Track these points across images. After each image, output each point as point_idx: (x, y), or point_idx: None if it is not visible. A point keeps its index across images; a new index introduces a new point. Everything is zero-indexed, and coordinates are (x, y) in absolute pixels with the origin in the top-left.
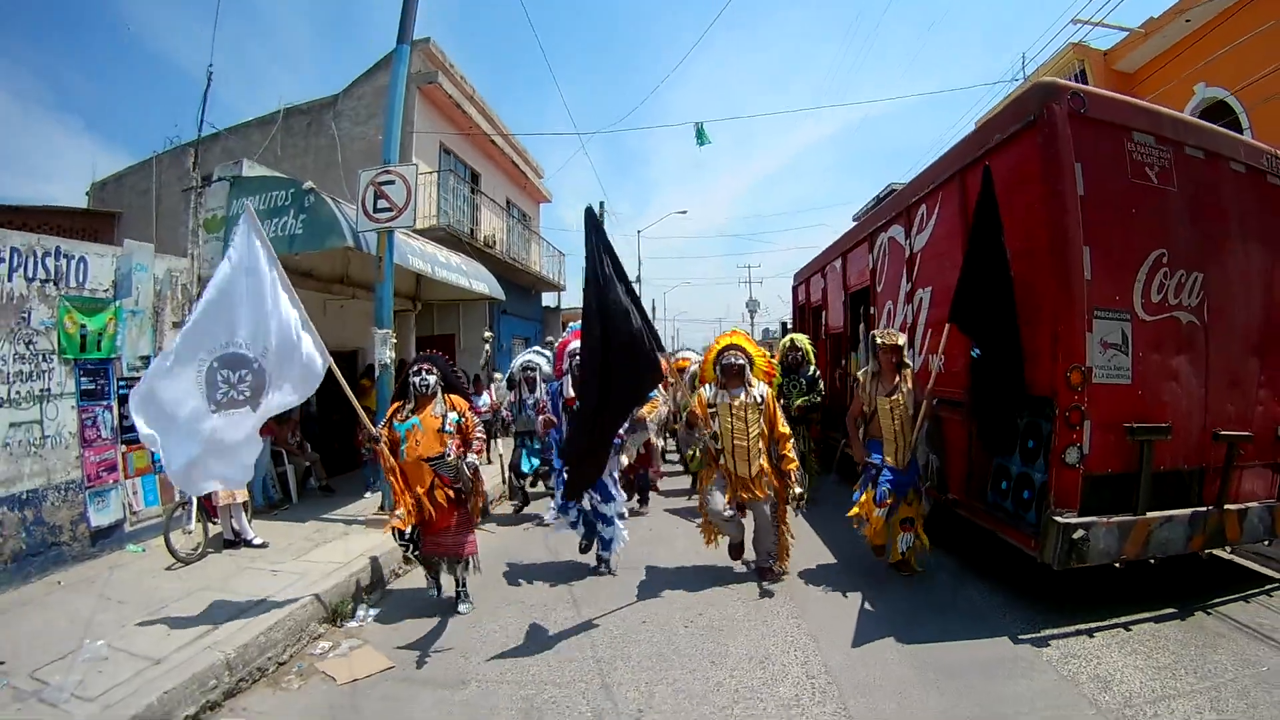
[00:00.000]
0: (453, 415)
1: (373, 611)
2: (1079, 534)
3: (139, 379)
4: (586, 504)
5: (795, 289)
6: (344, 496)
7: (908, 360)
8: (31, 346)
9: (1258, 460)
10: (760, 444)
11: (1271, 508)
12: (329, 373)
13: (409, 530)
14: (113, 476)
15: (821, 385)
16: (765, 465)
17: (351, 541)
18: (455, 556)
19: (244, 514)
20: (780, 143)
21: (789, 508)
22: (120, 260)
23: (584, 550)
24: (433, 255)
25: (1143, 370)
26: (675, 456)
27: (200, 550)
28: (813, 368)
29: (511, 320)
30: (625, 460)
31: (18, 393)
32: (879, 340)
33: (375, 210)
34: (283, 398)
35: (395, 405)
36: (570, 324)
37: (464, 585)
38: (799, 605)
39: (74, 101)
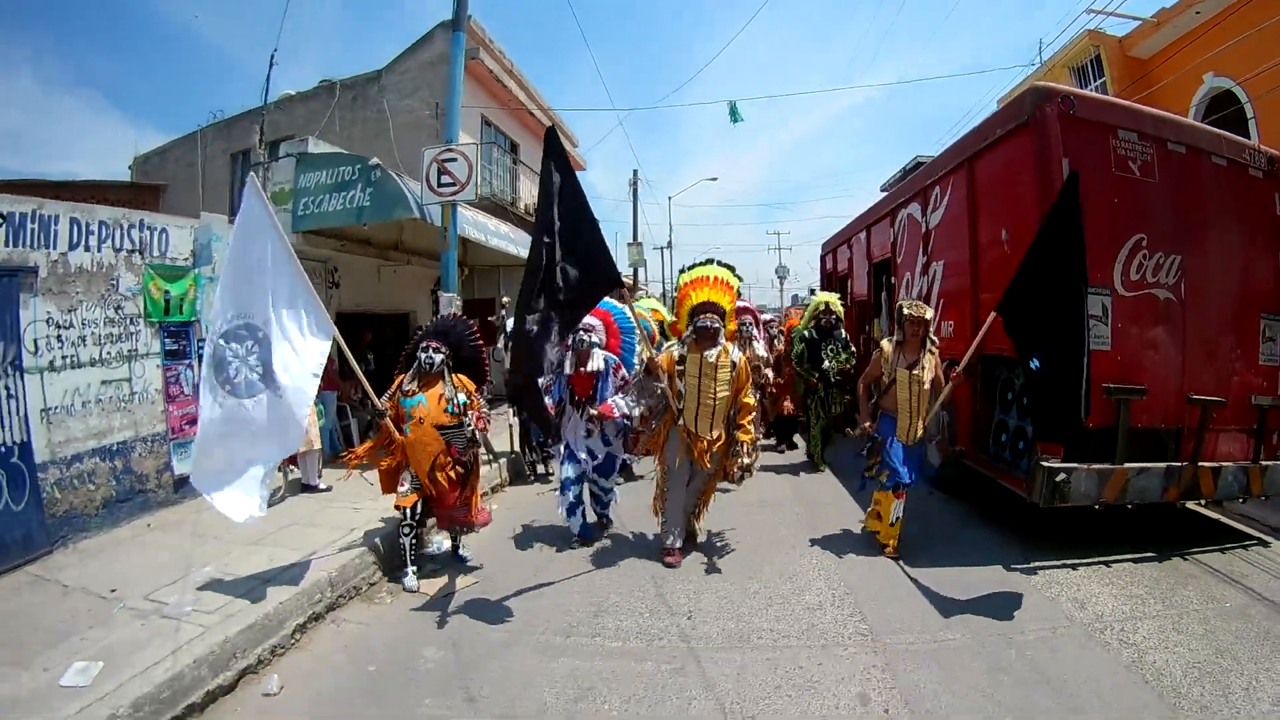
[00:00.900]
0: (460, 397)
1: (446, 544)
2: (1061, 477)
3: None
4: (584, 489)
5: (823, 258)
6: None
7: (934, 336)
8: (120, 311)
9: (1234, 425)
10: (725, 408)
11: (1247, 468)
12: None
13: (414, 508)
14: (194, 429)
15: (852, 348)
16: (722, 434)
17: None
18: (466, 526)
19: (316, 462)
20: (811, 110)
21: (731, 480)
22: (198, 231)
23: (581, 539)
24: (483, 224)
25: (1121, 339)
26: None
27: (281, 494)
28: (843, 331)
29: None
30: (638, 413)
31: (108, 353)
32: (906, 311)
33: (439, 185)
34: (298, 368)
35: (400, 378)
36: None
37: (463, 547)
38: (821, 537)
39: (95, 78)
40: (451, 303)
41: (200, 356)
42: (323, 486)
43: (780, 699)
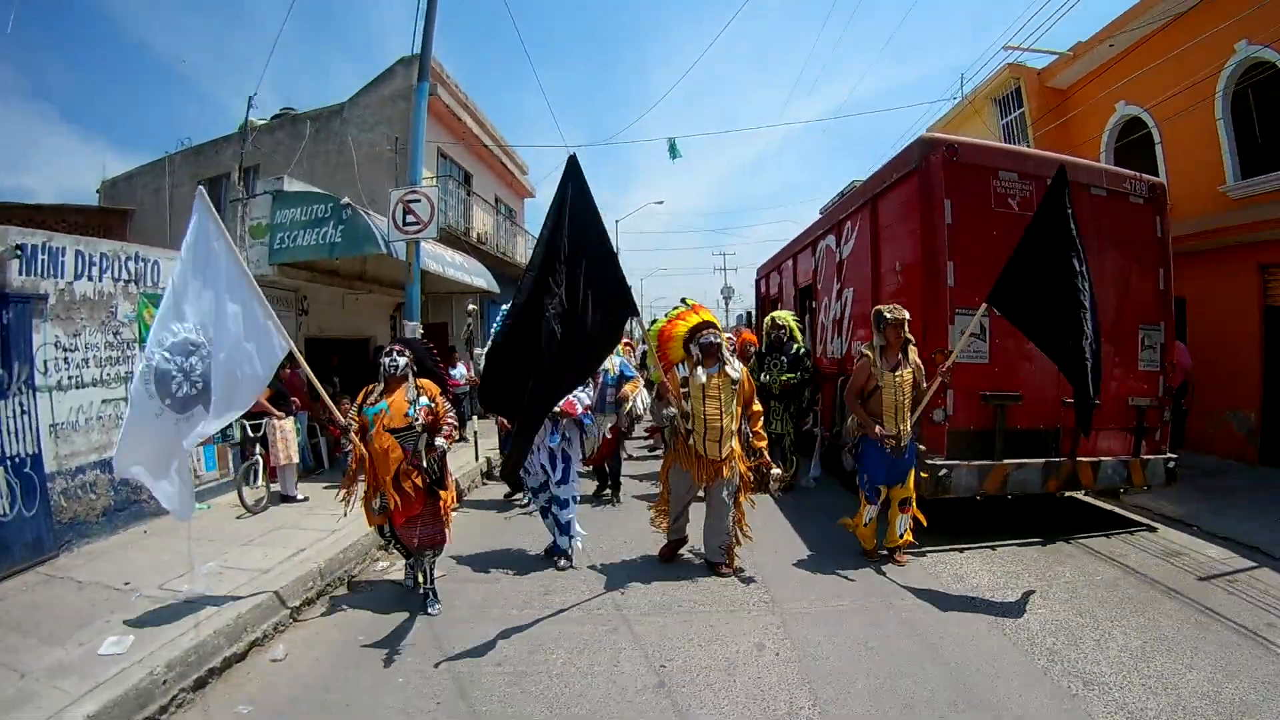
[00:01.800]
0: (423, 400)
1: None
2: (943, 473)
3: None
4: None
5: (758, 282)
6: None
7: (911, 335)
8: (118, 336)
9: (1114, 424)
10: (732, 425)
11: (1127, 462)
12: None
13: (384, 526)
14: None
15: (809, 363)
16: (736, 447)
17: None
18: (426, 546)
19: (293, 475)
20: (760, 129)
21: (769, 491)
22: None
23: (550, 554)
24: (440, 255)
25: (999, 353)
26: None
27: (264, 504)
28: (797, 345)
29: (499, 309)
30: (592, 441)
31: (108, 374)
32: (887, 316)
33: (405, 224)
34: (238, 389)
35: (366, 389)
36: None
37: (432, 582)
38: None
39: (50, 91)
40: (415, 331)
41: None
42: (300, 497)
43: (693, 649)
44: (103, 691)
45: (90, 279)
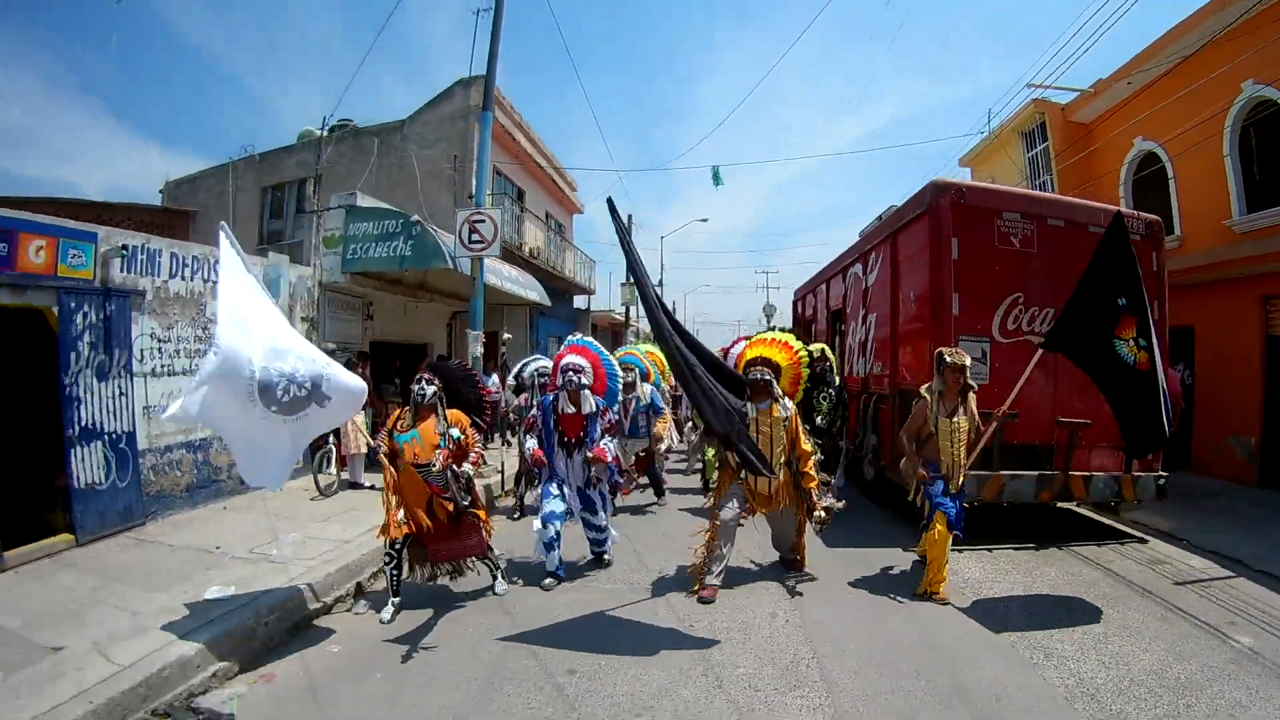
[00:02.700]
0: (454, 431)
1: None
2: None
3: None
4: (557, 522)
5: (795, 302)
6: None
7: (973, 383)
8: (206, 331)
9: (1106, 442)
10: (782, 459)
11: (1119, 478)
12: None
13: (401, 540)
14: None
15: (845, 396)
16: (785, 478)
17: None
18: (463, 558)
19: (361, 464)
20: (807, 145)
21: (810, 525)
22: (268, 268)
23: (549, 575)
24: (498, 269)
25: (998, 375)
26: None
27: (334, 488)
28: (839, 378)
29: (548, 321)
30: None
31: (195, 365)
32: (948, 360)
33: (470, 242)
34: (328, 415)
35: (397, 413)
36: (569, 339)
37: (496, 569)
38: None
39: (96, 85)
40: (477, 339)
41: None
42: (367, 485)
43: (718, 615)
44: (212, 627)
45: (183, 279)
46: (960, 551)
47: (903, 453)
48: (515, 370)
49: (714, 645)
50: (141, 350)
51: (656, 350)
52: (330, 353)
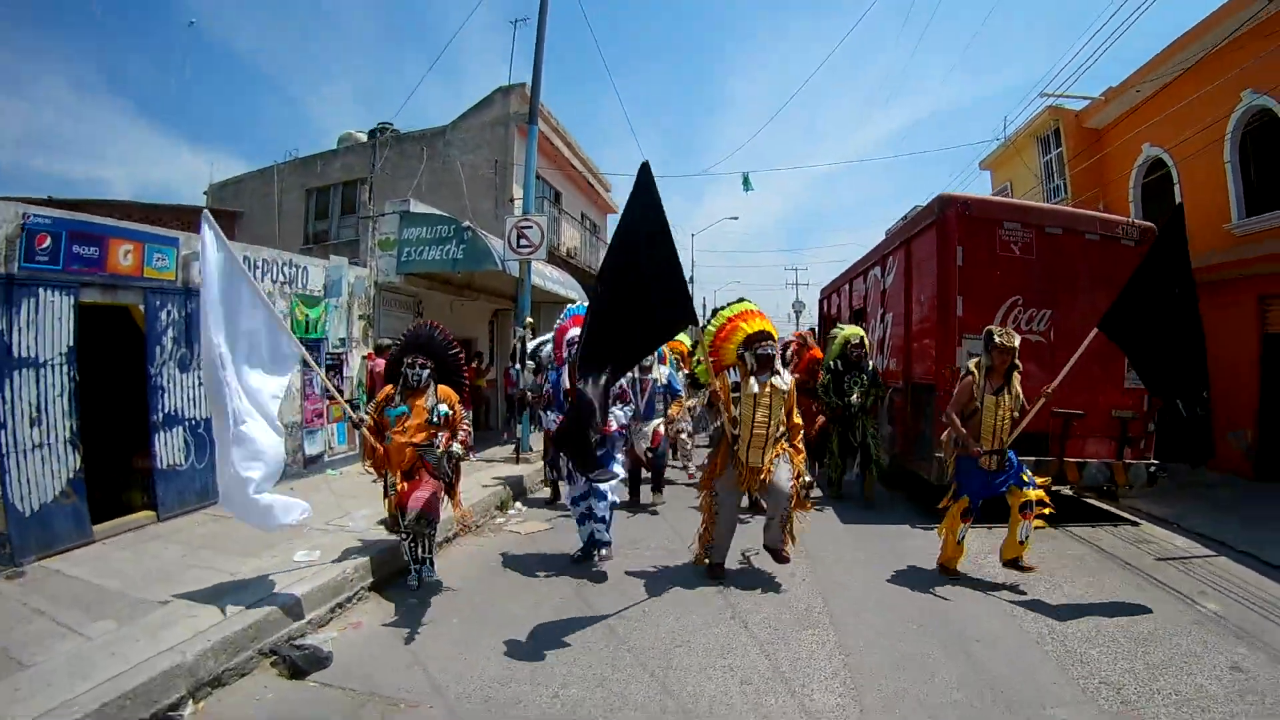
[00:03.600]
0: (442, 408)
1: (523, 506)
2: (948, 463)
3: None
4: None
5: (821, 300)
6: (480, 445)
7: (1019, 363)
8: None
9: (1100, 433)
10: (777, 432)
11: (1110, 464)
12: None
13: (396, 515)
14: (320, 421)
15: (880, 380)
16: (779, 449)
17: (496, 470)
18: (426, 511)
19: None
20: (844, 137)
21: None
22: (330, 270)
23: (575, 560)
24: (541, 270)
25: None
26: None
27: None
28: (872, 362)
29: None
30: (638, 446)
31: None
32: (997, 340)
33: (518, 246)
34: (259, 383)
35: (388, 390)
36: (569, 308)
37: (430, 553)
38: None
39: (126, 86)
40: (519, 334)
41: (328, 367)
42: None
43: (744, 576)
44: (304, 584)
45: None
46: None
47: (955, 433)
48: (532, 349)
49: (740, 596)
50: None
51: (683, 337)
52: (384, 348)
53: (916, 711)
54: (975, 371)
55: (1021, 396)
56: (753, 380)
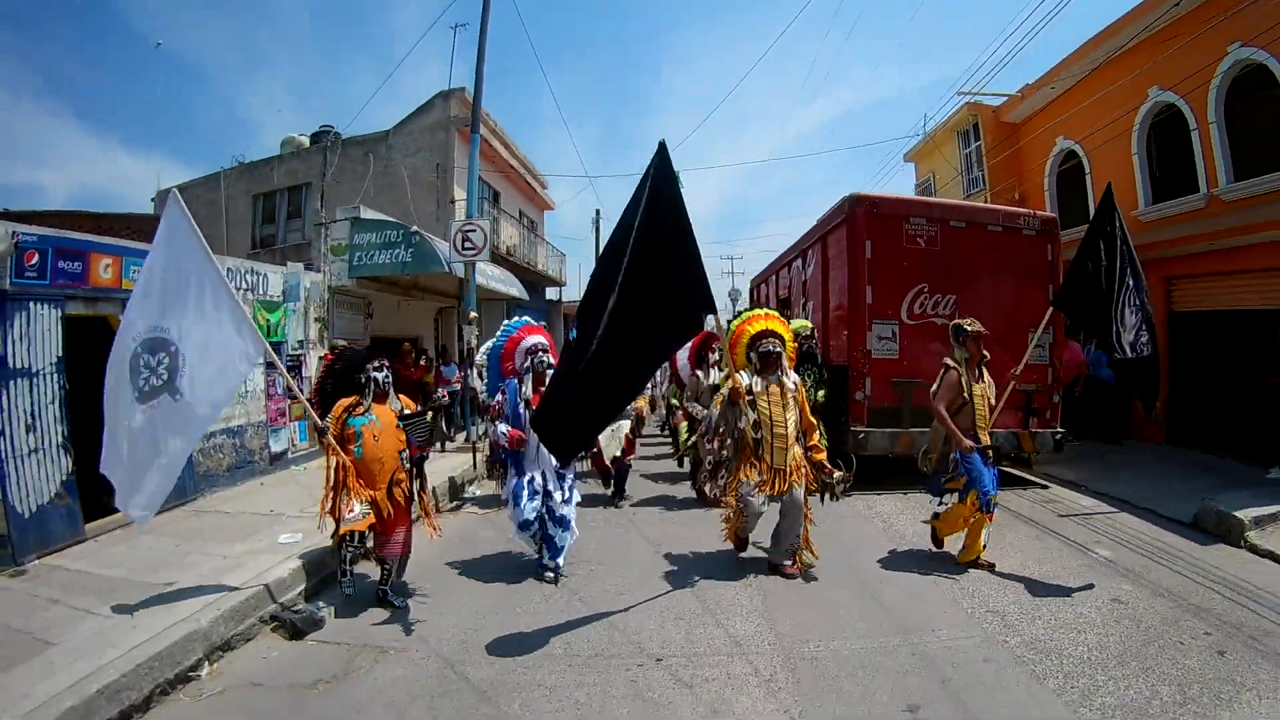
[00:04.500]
0: (405, 412)
1: (478, 493)
2: (862, 435)
3: (289, 360)
4: (538, 505)
5: (752, 290)
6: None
7: (986, 352)
8: (239, 333)
9: (1007, 405)
10: (796, 431)
11: (1017, 433)
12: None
13: (365, 534)
14: (283, 420)
15: (825, 373)
16: (799, 454)
17: (449, 460)
18: (404, 556)
19: None
20: (772, 127)
21: (827, 496)
22: (287, 276)
23: (539, 560)
24: (483, 269)
25: (907, 351)
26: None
27: None
28: (817, 355)
29: (523, 312)
30: (613, 450)
31: None
32: (967, 328)
33: (463, 248)
34: (208, 385)
35: (348, 401)
36: (518, 320)
37: (399, 577)
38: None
39: (64, 90)
40: (470, 332)
41: (288, 368)
42: None
43: (684, 540)
44: (294, 560)
45: None
46: (879, 494)
47: (948, 431)
48: (480, 353)
49: (675, 557)
50: None
51: None
52: (339, 349)
53: (823, 636)
54: (958, 366)
55: (992, 382)
56: (757, 379)
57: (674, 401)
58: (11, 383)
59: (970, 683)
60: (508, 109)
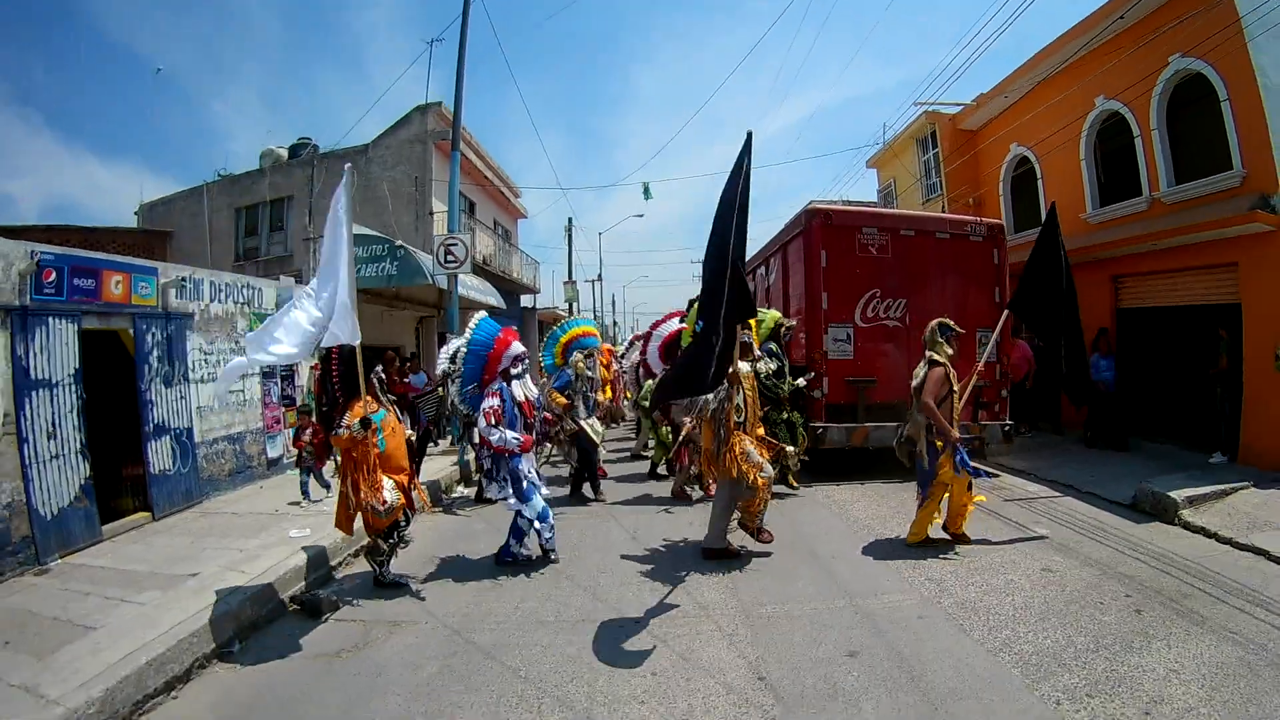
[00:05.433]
0: (394, 407)
1: (469, 491)
2: (820, 430)
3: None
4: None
5: None
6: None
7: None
8: (238, 345)
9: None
10: (758, 414)
11: (967, 425)
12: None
13: (401, 521)
14: (278, 426)
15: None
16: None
17: (433, 464)
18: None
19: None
20: (742, 130)
21: (793, 469)
22: (280, 290)
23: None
24: (463, 280)
25: (860, 351)
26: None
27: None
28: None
29: (502, 320)
30: (597, 430)
31: None
32: (954, 327)
33: (445, 261)
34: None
35: (352, 405)
36: (485, 325)
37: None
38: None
39: (31, 95)
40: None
41: (282, 377)
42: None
43: (658, 529)
44: (305, 551)
45: (219, 302)
46: (839, 485)
47: (936, 424)
48: (450, 353)
49: (646, 539)
50: (193, 362)
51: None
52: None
53: (779, 601)
54: (946, 362)
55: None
56: (742, 364)
57: (644, 402)
58: (33, 393)
59: (904, 634)
60: (478, 116)
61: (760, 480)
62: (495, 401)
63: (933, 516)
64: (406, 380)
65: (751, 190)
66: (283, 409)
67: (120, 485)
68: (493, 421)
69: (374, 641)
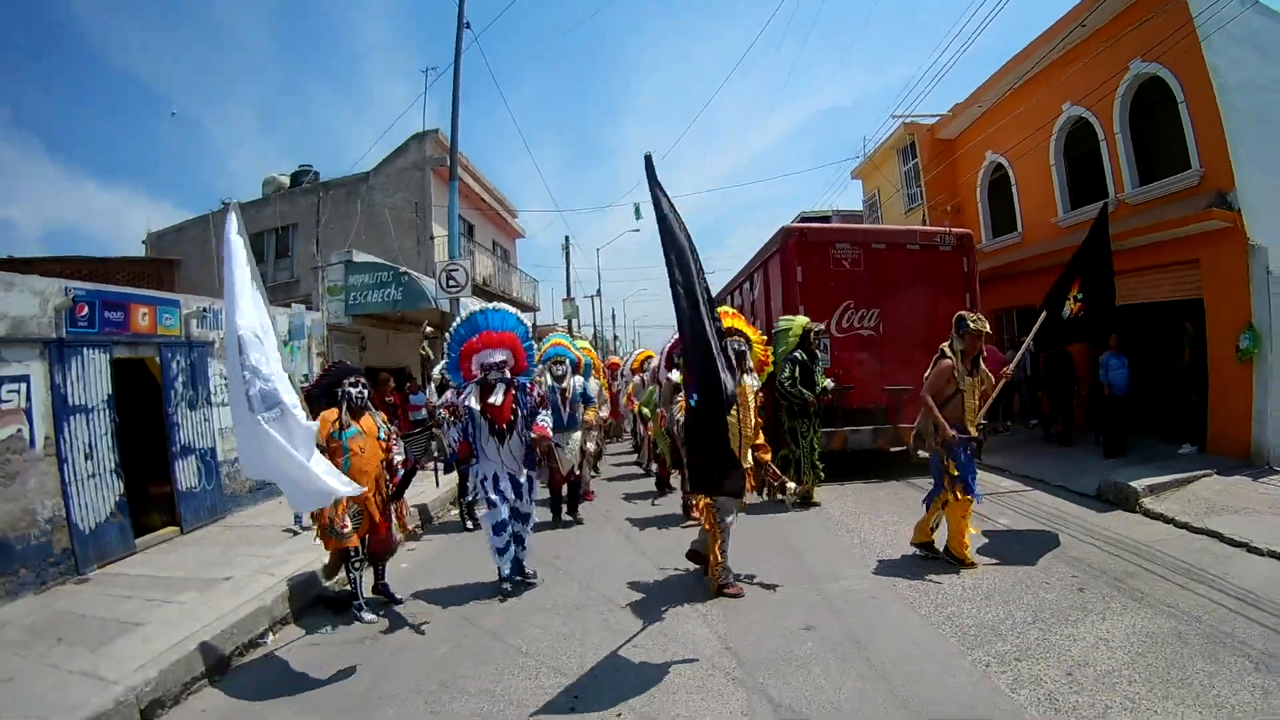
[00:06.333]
0: (383, 426)
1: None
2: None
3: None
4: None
5: None
6: None
7: (985, 349)
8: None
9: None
10: (751, 435)
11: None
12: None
13: (359, 547)
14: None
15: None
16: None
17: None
18: (390, 550)
19: None
20: (731, 147)
21: (787, 501)
22: (292, 317)
23: (506, 593)
24: (465, 303)
25: (837, 360)
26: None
27: None
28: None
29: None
30: (570, 462)
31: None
32: (970, 325)
33: (448, 286)
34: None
35: (332, 413)
36: (492, 311)
37: (385, 579)
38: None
39: (30, 120)
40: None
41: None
42: None
43: (651, 534)
44: (328, 557)
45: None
46: (818, 486)
47: (933, 419)
48: (439, 367)
49: (638, 541)
50: (215, 386)
51: (591, 349)
52: (334, 363)
53: (753, 587)
54: (953, 356)
55: (991, 377)
56: (746, 379)
57: (645, 410)
58: (71, 418)
59: (857, 611)
60: (475, 137)
61: (706, 524)
62: (449, 395)
63: (930, 522)
64: (408, 400)
65: (679, 211)
66: None
67: (149, 502)
68: (451, 417)
69: (393, 630)
